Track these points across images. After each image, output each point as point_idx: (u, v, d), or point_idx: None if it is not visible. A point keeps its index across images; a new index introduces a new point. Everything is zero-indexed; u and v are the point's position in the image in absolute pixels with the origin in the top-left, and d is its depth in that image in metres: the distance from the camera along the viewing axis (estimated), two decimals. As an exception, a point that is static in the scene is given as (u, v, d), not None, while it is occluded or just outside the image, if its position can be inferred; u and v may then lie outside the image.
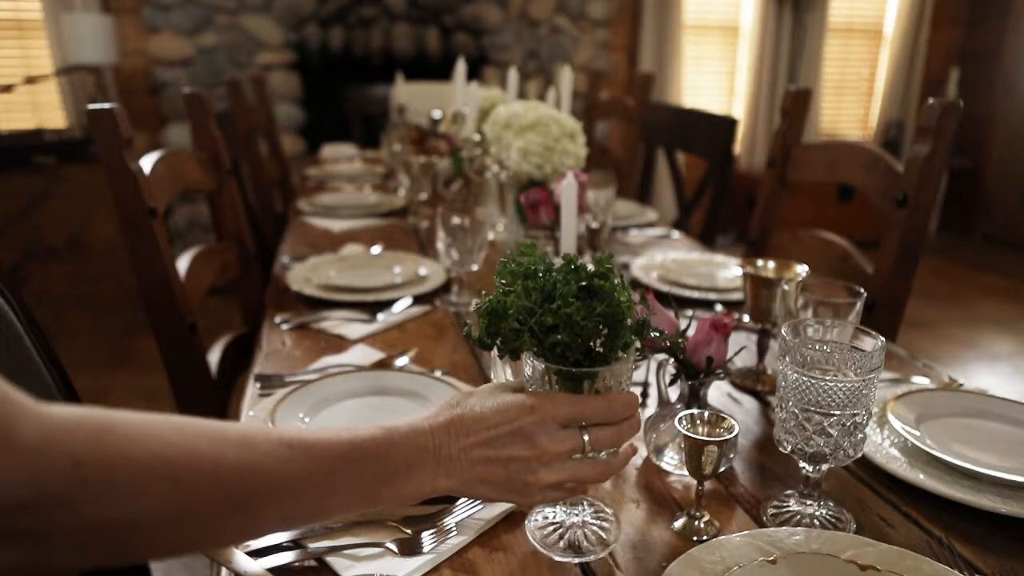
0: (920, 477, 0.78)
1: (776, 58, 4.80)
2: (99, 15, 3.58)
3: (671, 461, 0.83)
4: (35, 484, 0.42)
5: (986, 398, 0.93)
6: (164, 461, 0.47)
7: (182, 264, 1.27)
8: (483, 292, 0.65)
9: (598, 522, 0.71)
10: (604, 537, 0.70)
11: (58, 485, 0.42)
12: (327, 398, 0.93)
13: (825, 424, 0.69)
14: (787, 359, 0.70)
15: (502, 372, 0.74)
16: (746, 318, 1.05)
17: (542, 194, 1.34)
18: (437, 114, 2.39)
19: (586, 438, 0.62)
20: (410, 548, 0.68)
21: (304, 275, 1.42)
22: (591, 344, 0.62)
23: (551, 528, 0.70)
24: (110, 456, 0.44)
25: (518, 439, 0.60)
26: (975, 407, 0.92)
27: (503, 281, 0.64)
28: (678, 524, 0.73)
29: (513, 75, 2.08)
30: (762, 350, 1.06)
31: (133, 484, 0.45)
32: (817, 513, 0.74)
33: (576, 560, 0.67)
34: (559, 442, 0.61)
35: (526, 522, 0.71)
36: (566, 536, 0.69)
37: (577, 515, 0.71)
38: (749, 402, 1.01)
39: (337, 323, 1.23)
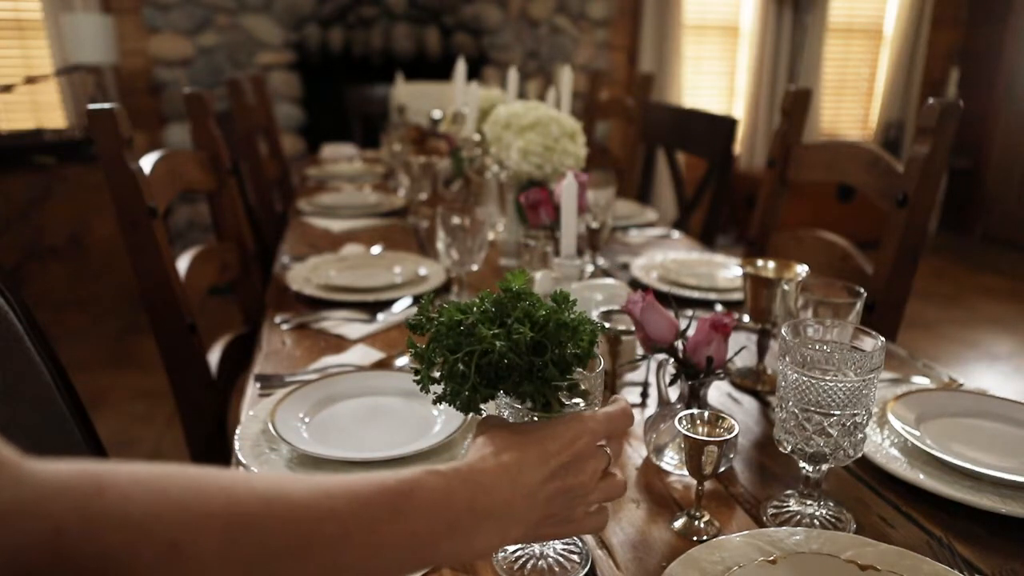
0: (920, 477, 0.78)
1: (776, 58, 4.80)
2: (99, 15, 3.58)
3: (671, 461, 0.83)
4: (10, 556, 0.36)
5: (986, 398, 0.93)
6: (164, 523, 0.40)
7: (182, 264, 1.27)
8: (435, 359, 0.59)
9: (566, 551, 0.69)
10: (574, 564, 0.67)
11: (34, 556, 0.37)
12: (327, 398, 0.93)
13: (825, 424, 0.69)
14: (787, 359, 0.70)
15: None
16: (746, 318, 1.05)
17: (542, 194, 1.34)
18: (437, 114, 2.39)
19: (608, 452, 0.60)
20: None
21: (304, 275, 1.42)
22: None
23: (521, 558, 0.68)
24: (100, 521, 0.39)
25: (576, 464, 0.56)
26: (975, 407, 0.92)
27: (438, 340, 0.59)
28: (678, 524, 0.73)
29: (513, 75, 2.08)
30: (762, 350, 1.06)
31: (124, 552, 0.39)
32: (817, 513, 0.74)
33: None
34: (599, 461, 0.58)
35: (493, 556, 0.68)
36: (536, 565, 0.67)
37: (546, 545, 0.69)
38: (749, 402, 1.01)
39: (337, 323, 1.23)
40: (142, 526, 0.40)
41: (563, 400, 0.62)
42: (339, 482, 0.47)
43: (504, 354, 0.57)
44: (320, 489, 0.46)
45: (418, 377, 0.61)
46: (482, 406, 0.60)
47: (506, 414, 0.63)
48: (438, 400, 0.60)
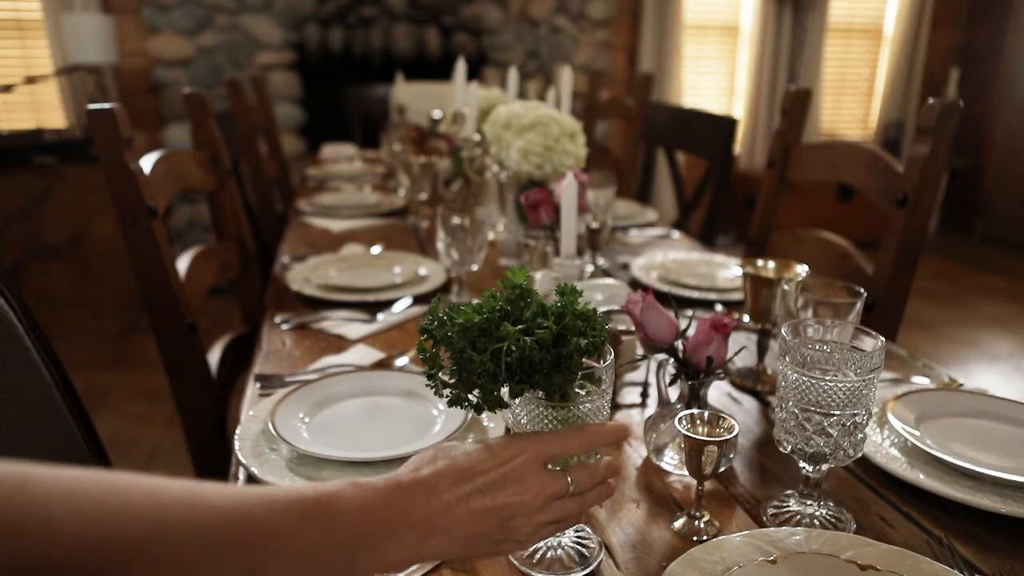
0: (920, 477, 0.78)
1: (776, 58, 4.80)
2: (99, 15, 3.58)
3: (671, 461, 0.83)
4: None
5: (986, 398, 0.93)
6: (87, 521, 0.40)
7: (182, 264, 1.27)
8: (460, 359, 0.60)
9: (579, 543, 0.70)
10: (586, 555, 0.68)
11: None
12: (327, 398, 0.93)
13: (825, 424, 0.69)
14: (787, 359, 0.70)
15: None
16: (746, 318, 1.05)
17: (542, 194, 1.34)
18: (437, 114, 2.39)
19: (569, 479, 0.60)
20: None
21: (304, 275, 1.42)
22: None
23: (533, 549, 0.68)
24: (22, 515, 0.38)
25: (511, 483, 0.56)
26: (975, 407, 0.92)
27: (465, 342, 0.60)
28: (678, 524, 0.73)
29: (513, 75, 2.08)
30: (762, 350, 1.06)
31: (44, 547, 0.39)
32: (817, 513, 0.74)
33: None
34: (548, 483, 0.58)
35: None
36: (547, 555, 0.68)
37: (559, 536, 0.69)
38: (749, 402, 1.01)
39: (337, 323, 1.23)
40: (64, 522, 0.40)
41: (578, 390, 0.63)
42: (257, 492, 0.48)
43: (533, 348, 0.58)
44: (237, 497, 0.47)
45: (440, 391, 0.62)
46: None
47: (520, 412, 0.63)
48: (478, 410, 0.62)
